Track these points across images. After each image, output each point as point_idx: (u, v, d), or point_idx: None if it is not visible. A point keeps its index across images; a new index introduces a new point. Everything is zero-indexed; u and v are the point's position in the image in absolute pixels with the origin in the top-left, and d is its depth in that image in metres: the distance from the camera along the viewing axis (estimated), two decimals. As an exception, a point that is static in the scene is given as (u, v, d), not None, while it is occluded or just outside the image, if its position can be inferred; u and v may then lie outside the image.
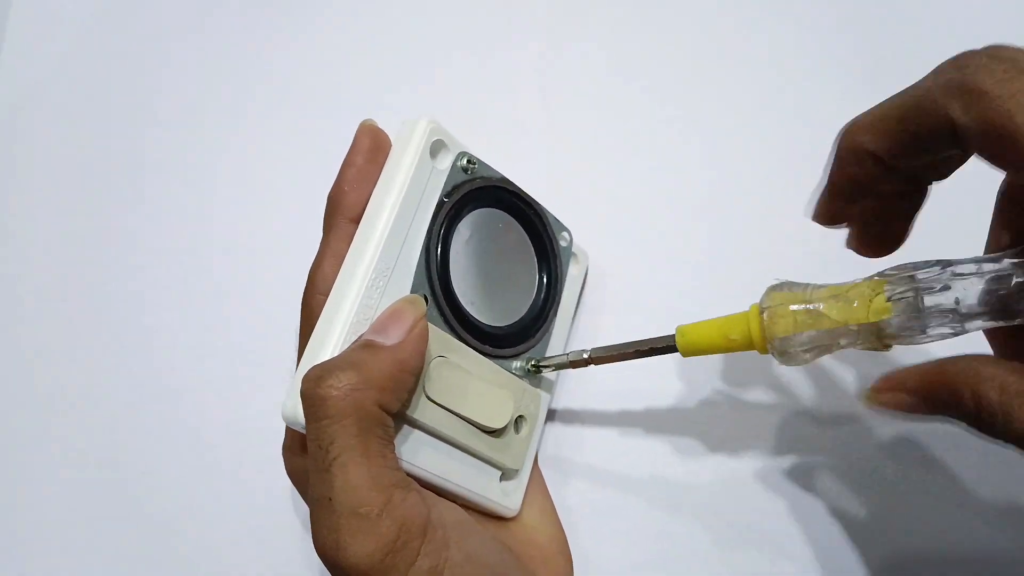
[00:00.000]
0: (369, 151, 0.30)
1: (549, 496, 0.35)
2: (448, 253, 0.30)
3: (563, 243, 0.35)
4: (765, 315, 0.27)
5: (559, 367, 0.33)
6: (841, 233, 0.42)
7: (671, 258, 0.41)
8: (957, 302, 0.24)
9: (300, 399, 0.25)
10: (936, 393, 0.24)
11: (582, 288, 0.39)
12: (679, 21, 0.47)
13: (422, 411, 0.28)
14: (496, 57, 0.47)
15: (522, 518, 0.33)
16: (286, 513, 0.39)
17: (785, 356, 0.28)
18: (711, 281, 0.40)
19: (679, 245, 0.41)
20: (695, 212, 0.42)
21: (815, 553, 0.35)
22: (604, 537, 0.36)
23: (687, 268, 0.41)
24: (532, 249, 0.34)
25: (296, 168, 0.46)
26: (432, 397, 0.28)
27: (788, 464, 0.37)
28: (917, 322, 0.25)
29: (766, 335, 0.27)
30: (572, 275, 0.37)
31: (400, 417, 0.27)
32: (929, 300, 0.24)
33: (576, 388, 0.39)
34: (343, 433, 0.24)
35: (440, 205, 0.30)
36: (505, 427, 0.31)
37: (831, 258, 0.40)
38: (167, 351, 0.44)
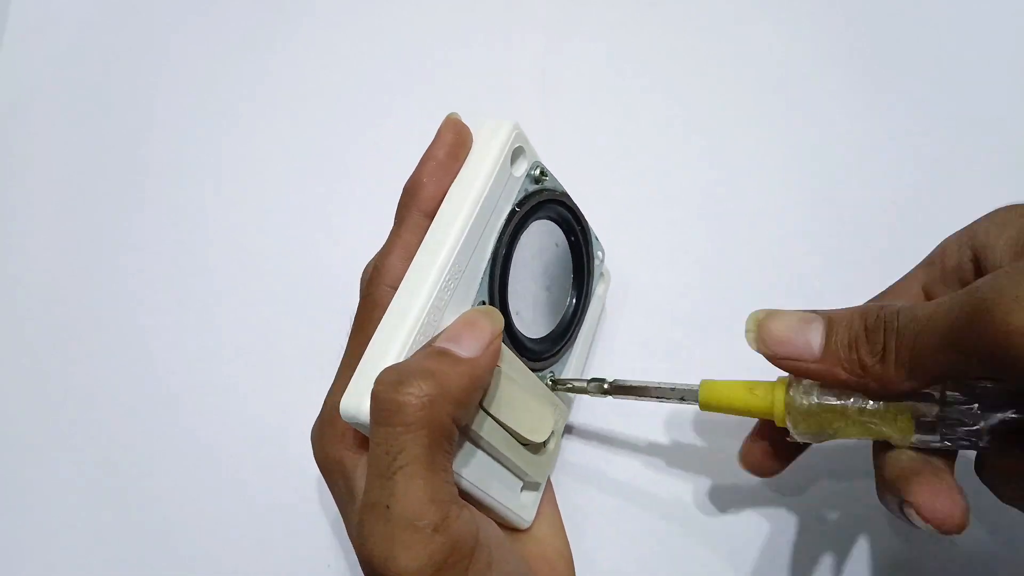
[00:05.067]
0: (452, 146, 0.29)
1: (558, 509, 0.35)
2: (510, 262, 0.30)
3: (596, 261, 0.35)
4: (790, 419, 0.28)
5: (577, 391, 0.32)
6: (840, 234, 0.42)
7: (674, 258, 0.41)
8: (980, 431, 0.25)
9: (370, 398, 0.25)
10: None
11: (602, 308, 0.39)
12: (680, 20, 0.47)
13: (479, 423, 0.27)
14: (498, 56, 0.47)
15: (533, 531, 0.33)
16: (286, 514, 0.39)
17: (801, 436, 0.28)
18: (713, 281, 0.40)
19: (681, 245, 0.41)
20: (698, 213, 0.42)
21: (820, 562, 0.35)
22: (607, 542, 0.36)
23: (690, 268, 0.41)
24: (571, 265, 0.34)
25: (296, 169, 0.46)
26: (486, 407, 0.28)
27: (796, 473, 0.37)
28: (935, 436, 0.26)
29: (789, 421, 0.28)
30: (597, 294, 0.37)
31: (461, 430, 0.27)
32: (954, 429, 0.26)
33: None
34: (415, 444, 0.24)
35: (512, 214, 0.30)
36: (544, 441, 0.31)
37: (831, 256, 0.40)
38: (166, 352, 0.44)
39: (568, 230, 0.33)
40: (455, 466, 0.27)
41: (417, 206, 0.29)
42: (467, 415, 0.26)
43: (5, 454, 0.43)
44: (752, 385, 0.29)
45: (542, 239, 0.32)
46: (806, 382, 0.28)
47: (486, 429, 0.28)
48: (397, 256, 0.28)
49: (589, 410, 0.38)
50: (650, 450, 0.38)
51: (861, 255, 0.40)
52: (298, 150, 0.47)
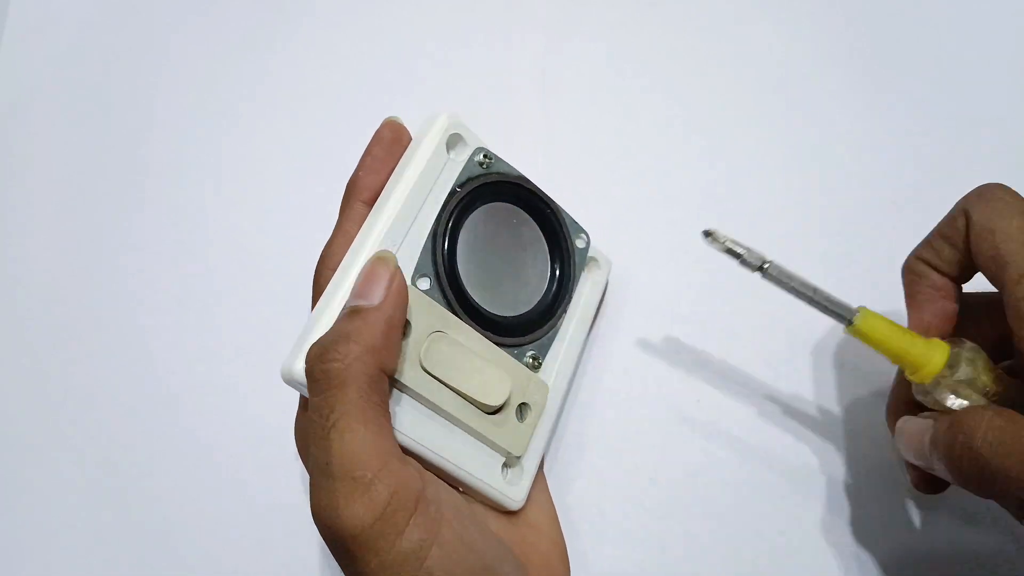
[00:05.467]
0: (388, 142, 0.32)
1: (552, 502, 0.35)
2: (456, 239, 0.32)
3: (580, 244, 0.36)
4: (949, 379, 0.29)
5: (730, 253, 0.30)
6: (840, 234, 0.42)
7: (674, 258, 0.41)
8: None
9: (304, 373, 0.27)
10: None
11: (603, 295, 0.39)
12: (680, 20, 0.47)
13: (418, 381, 0.29)
14: (498, 56, 0.47)
15: (527, 519, 0.33)
16: (286, 514, 0.39)
17: (926, 396, 0.29)
18: (713, 280, 0.40)
19: (681, 245, 0.41)
20: (698, 213, 0.42)
21: (818, 560, 0.35)
22: (603, 539, 0.36)
23: (690, 268, 0.41)
24: (547, 247, 0.35)
25: (296, 169, 0.46)
26: (428, 369, 0.29)
27: (795, 471, 0.37)
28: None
29: (938, 378, 0.29)
30: (594, 280, 0.37)
31: (398, 387, 0.28)
32: None
33: (580, 390, 0.39)
34: (343, 400, 0.25)
35: (452, 194, 0.32)
36: (503, 407, 0.31)
37: (831, 256, 0.40)
38: (166, 352, 0.44)
39: (536, 214, 0.35)
40: (410, 431, 0.28)
41: (356, 196, 0.31)
42: (391, 359, 0.27)
43: (5, 454, 0.43)
44: (913, 336, 0.30)
45: (507, 221, 0.34)
46: (968, 356, 0.29)
47: (433, 390, 0.29)
48: (338, 244, 0.31)
49: (586, 408, 0.39)
50: (649, 451, 0.38)
51: (861, 255, 0.40)
52: (298, 150, 0.47)
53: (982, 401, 0.28)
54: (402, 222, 0.30)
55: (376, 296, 0.27)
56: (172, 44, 0.51)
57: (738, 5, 0.47)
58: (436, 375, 0.29)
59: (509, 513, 0.32)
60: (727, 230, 0.31)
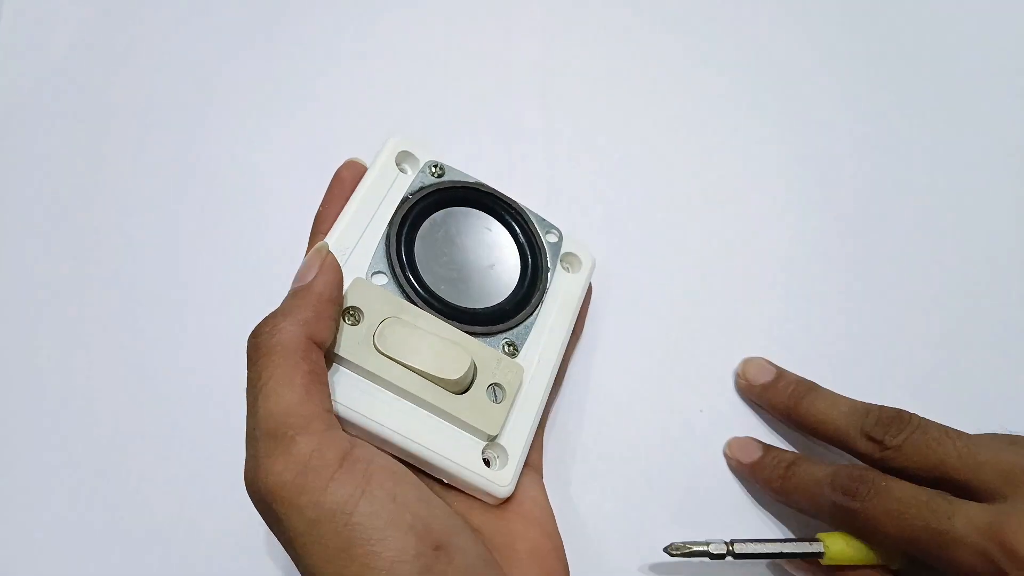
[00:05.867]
0: (348, 181, 0.35)
1: (547, 498, 0.34)
2: (413, 239, 0.35)
3: (552, 239, 0.37)
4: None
5: (695, 555, 0.33)
6: (839, 234, 0.42)
7: (671, 259, 0.41)
8: None
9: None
10: None
11: (587, 292, 0.39)
12: (680, 22, 0.47)
13: (371, 361, 0.30)
14: (496, 60, 0.47)
15: (518, 509, 0.32)
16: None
17: None
18: (711, 281, 0.40)
19: (679, 246, 0.41)
20: (696, 214, 0.42)
21: None
22: (605, 539, 0.36)
23: (688, 269, 0.41)
24: (515, 244, 0.37)
25: (296, 171, 0.46)
26: (381, 349, 0.31)
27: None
28: None
29: None
30: (573, 278, 0.37)
31: (356, 371, 0.30)
32: None
33: (576, 394, 0.39)
34: (269, 366, 0.26)
35: (404, 200, 0.35)
36: (471, 387, 0.32)
37: (831, 257, 0.40)
38: (166, 352, 0.44)
39: (498, 215, 0.37)
40: (368, 411, 0.29)
41: (319, 228, 0.34)
42: (323, 330, 0.28)
43: (5, 455, 0.43)
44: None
45: (471, 223, 0.37)
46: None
47: (388, 369, 0.30)
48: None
49: (579, 408, 0.39)
50: (647, 452, 0.38)
51: (860, 255, 0.40)
52: (298, 155, 0.47)
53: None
54: (354, 229, 0.33)
55: (308, 276, 0.29)
56: (169, 43, 0.51)
57: (738, 6, 0.47)
58: (390, 354, 0.30)
59: (497, 504, 0.32)
60: (680, 537, 0.34)
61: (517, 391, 0.33)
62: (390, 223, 0.34)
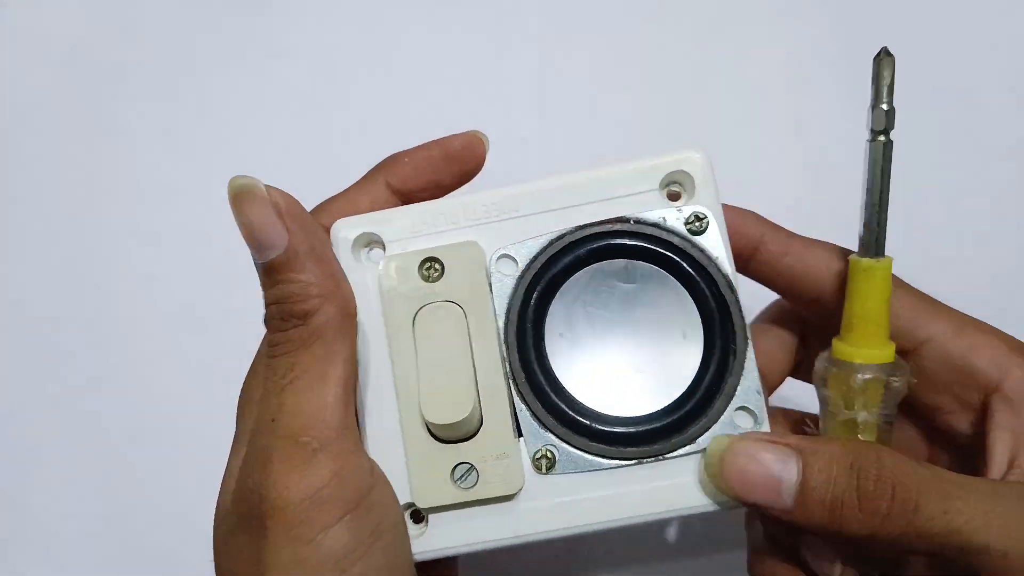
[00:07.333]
0: (451, 153, 0.29)
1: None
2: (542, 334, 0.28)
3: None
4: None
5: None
6: (839, 234, 0.42)
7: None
8: None
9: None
10: None
11: None
12: (679, 24, 0.47)
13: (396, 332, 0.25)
14: (494, 66, 0.47)
15: None
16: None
17: (838, 380, 0.28)
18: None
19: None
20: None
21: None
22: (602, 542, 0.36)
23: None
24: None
25: (295, 179, 0.46)
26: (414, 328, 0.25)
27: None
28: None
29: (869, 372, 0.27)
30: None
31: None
32: None
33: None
34: (306, 356, 0.23)
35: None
36: (450, 438, 0.26)
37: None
38: (166, 354, 0.44)
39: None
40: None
41: (385, 174, 0.28)
42: (347, 299, 0.25)
43: (5, 454, 0.43)
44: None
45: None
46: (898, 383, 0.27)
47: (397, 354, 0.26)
48: (337, 206, 0.28)
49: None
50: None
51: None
52: (297, 159, 0.47)
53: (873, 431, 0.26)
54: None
55: (281, 243, 0.25)
56: (165, 44, 0.51)
57: (738, 8, 0.47)
58: (415, 339, 0.25)
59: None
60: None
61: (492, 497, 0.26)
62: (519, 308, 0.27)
